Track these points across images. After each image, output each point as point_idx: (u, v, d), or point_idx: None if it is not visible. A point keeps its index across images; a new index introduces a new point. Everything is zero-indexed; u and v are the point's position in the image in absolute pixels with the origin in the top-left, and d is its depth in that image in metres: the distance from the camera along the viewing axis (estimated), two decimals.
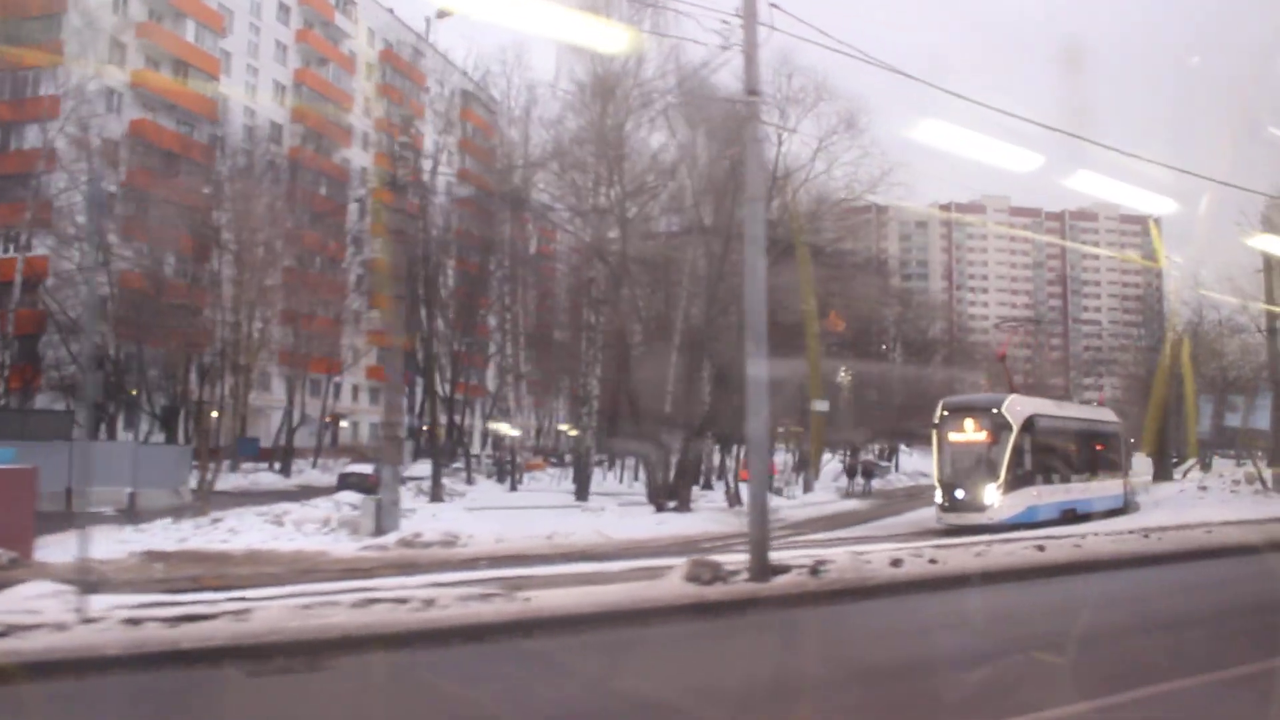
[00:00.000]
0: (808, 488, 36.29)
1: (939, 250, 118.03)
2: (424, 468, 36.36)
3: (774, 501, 31.49)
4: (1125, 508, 25.88)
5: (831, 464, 45.28)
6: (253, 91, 51.16)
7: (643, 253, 27.17)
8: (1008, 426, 20.87)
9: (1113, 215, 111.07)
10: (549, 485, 39.43)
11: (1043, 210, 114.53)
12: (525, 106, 31.63)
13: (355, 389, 56.14)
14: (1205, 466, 46.14)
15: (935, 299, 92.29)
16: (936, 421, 22.05)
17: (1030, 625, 9.75)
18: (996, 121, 14.65)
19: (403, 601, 9.20)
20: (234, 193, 38.81)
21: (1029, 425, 21.32)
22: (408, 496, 27.38)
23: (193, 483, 28.39)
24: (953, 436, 21.64)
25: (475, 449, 50.60)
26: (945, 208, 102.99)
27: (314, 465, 42.21)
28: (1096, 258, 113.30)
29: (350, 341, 49.86)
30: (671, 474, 26.40)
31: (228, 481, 34.71)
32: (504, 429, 43.57)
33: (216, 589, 11.68)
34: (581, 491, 31.32)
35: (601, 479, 41.98)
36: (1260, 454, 34.17)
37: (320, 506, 19.99)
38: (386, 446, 18.23)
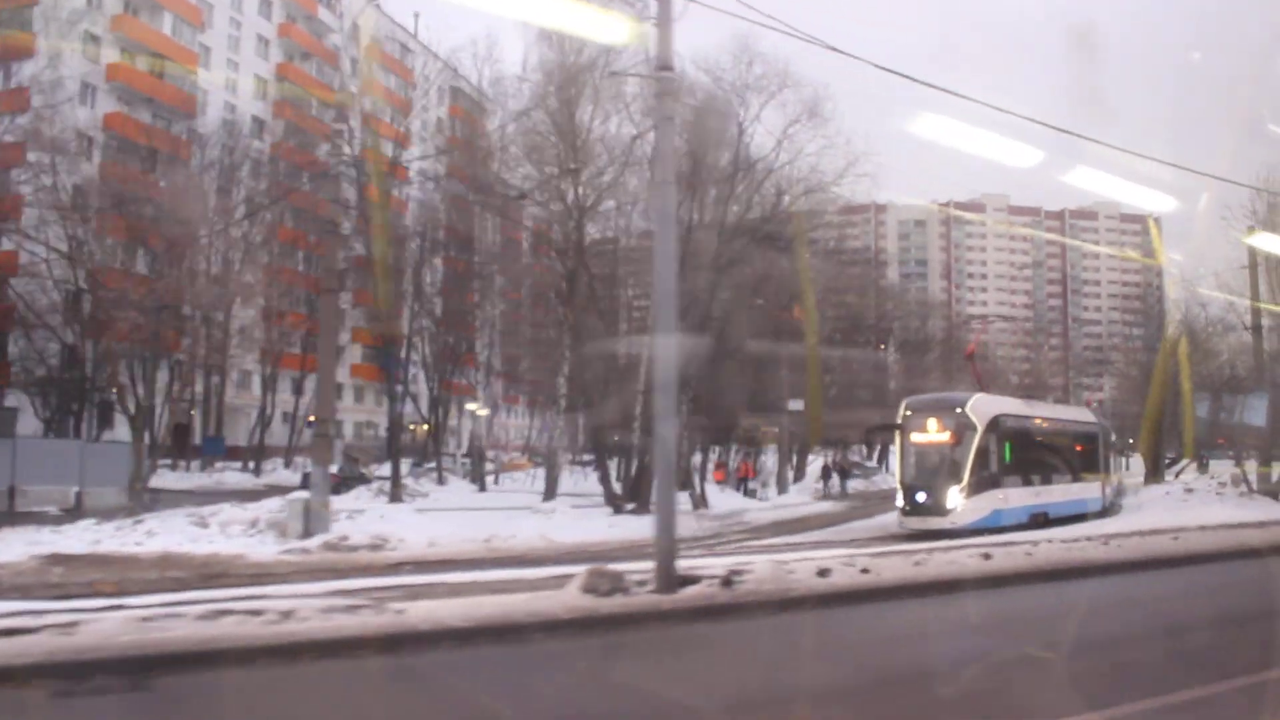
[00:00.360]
0: (782, 489, 35.41)
1: (938, 249, 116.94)
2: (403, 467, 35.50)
3: (744, 504, 31.07)
4: (1105, 511, 25.04)
5: (816, 464, 44.38)
6: (233, 86, 50.52)
7: (608, 247, 26.49)
8: (972, 427, 19.99)
9: (1113, 214, 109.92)
10: (525, 486, 38.68)
11: (1042, 209, 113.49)
12: (495, 99, 30.87)
13: (339, 388, 55.40)
14: (1203, 467, 45.14)
15: (934, 297, 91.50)
16: (899, 421, 21.21)
17: (960, 645, 8.87)
18: (995, 119, 14.06)
19: (257, 613, 8.48)
20: (211, 187, 38.19)
21: (995, 425, 20.44)
22: (366, 496, 26.79)
23: (149, 481, 27.87)
24: (915, 437, 20.74)
25: (451, 447, 49.80)
26: (944, 205, 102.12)
27: (286, 465, 41.53)
28: (1097, 256, 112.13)
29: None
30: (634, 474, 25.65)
31: (191, 480, 34.18)
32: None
33: (110, 595, 11.04)
34: (549, 492, 30.61)
35: (583, 478, 41.12)
36: (1255, 453, 33.27)
37: (261, 506, 19.30)
38: (316, 445, 17.52)
